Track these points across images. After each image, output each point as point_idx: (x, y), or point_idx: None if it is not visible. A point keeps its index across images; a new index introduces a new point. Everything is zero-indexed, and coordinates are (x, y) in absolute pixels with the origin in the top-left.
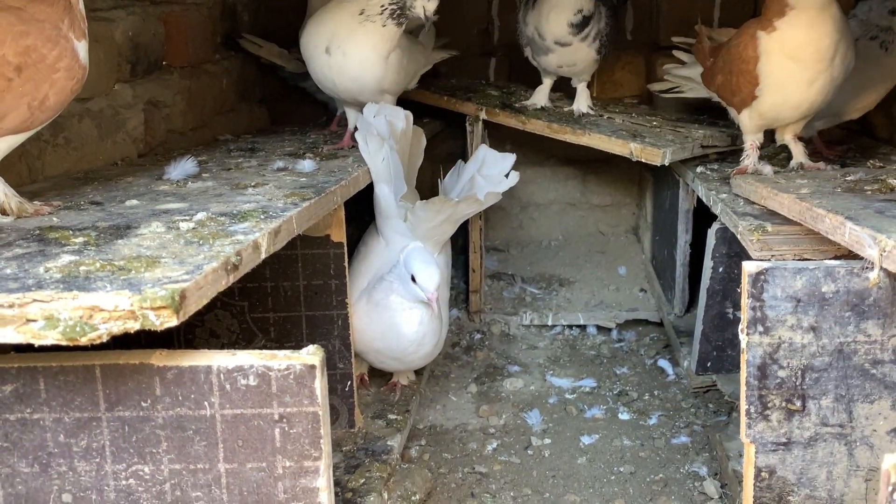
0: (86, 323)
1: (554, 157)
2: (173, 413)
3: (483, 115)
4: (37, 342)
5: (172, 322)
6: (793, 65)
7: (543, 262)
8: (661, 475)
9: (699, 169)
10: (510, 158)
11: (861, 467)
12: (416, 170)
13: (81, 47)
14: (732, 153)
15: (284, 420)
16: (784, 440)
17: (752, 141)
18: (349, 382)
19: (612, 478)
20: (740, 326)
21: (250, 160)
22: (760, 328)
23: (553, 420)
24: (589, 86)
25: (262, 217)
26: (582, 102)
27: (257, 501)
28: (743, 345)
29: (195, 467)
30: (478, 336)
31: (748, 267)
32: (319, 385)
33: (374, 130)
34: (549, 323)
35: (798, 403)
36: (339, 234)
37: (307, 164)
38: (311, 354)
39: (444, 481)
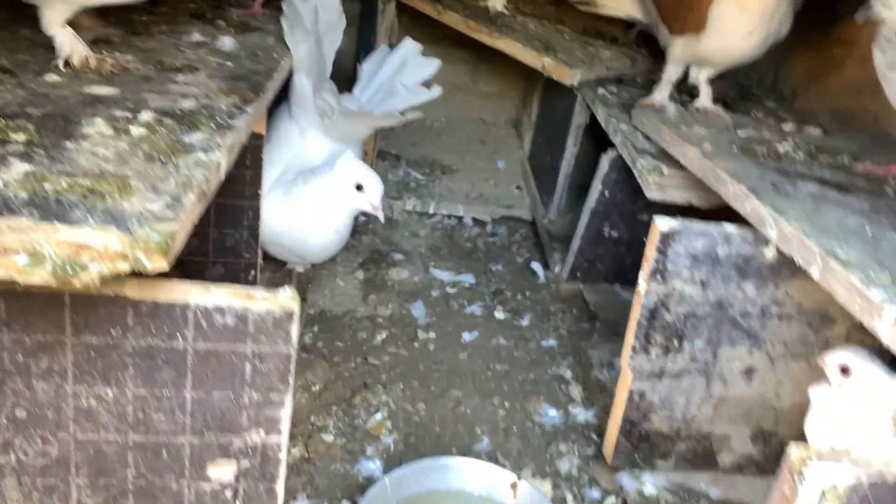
0: (75, 262)
1: (448, 39)
2: (144, 343)
3: None
4: (23, 281)
5: (162, 267)
6: (740, 13)
7: (426, 144)
8: (532, 375)
9: (600, 90)
10: (433, 64)
11: (713, 396)
12: (333, 55)
13: None
14: (628, 77)
15: (257, 357)
16: (658, 371)
17: (671, 74)
18: (252, 272)
19: (490, 374)
20: (641, 274)
21: (158, 22)
22: (659, 278)
23: (436, 314)
24: None
25: (214, 126)
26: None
27: (220, 426)
28: (640, 289)
29: (160, 393)
30: (363, 219)
31: (660, 225)
32: (294, 329)
33: (303, 18)
34: (431, 211)
35: (676, 343)
36: (261, 126)
37: (227, 41)
38: (290, 300)
39: (337, 370)
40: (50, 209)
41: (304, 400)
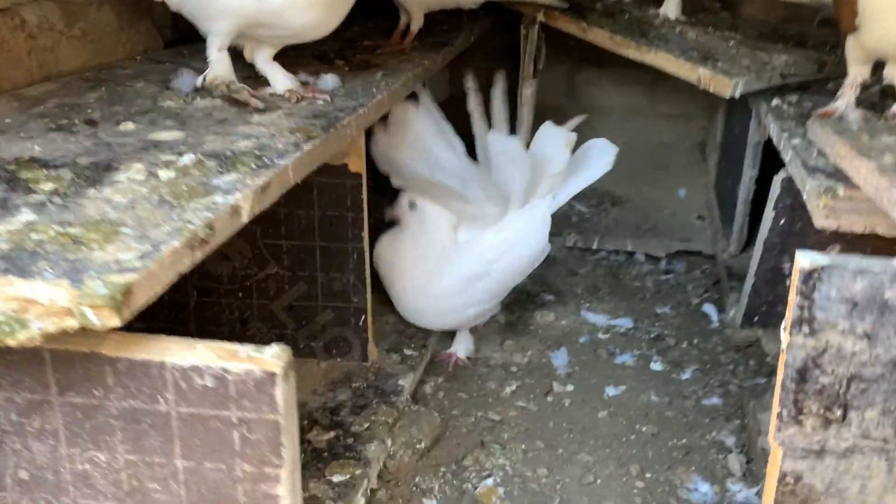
0: (17, 318)
1: (619, 58)
2: (126, 404)
3: (541, 18)
4: None
5: (114, 323)
6: None
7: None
8: (684, 440)
9: (774, 101)
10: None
11: None
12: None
13: None
14: (816, 82)
15: (244, 424)
16: (817, 448)
17: (853, 77)
18: (363, 317)
19: (633, 437)
20: (783, 324)
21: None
22: (806, 329)
23: (580, 363)
24: None
25: (254, 165)
26: (672, 6)
27: (217, 500)
28: (783, 345)
29: (151, 460)
30: None
31: (801, 261)
32: (281, 393)
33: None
34: (594, 247)
35: (838, 413)
36: (358, 164)
37: (329, 80)
38: (274, 358)
39: (454, 424)
40: (18, 262)
41: (407, 458)
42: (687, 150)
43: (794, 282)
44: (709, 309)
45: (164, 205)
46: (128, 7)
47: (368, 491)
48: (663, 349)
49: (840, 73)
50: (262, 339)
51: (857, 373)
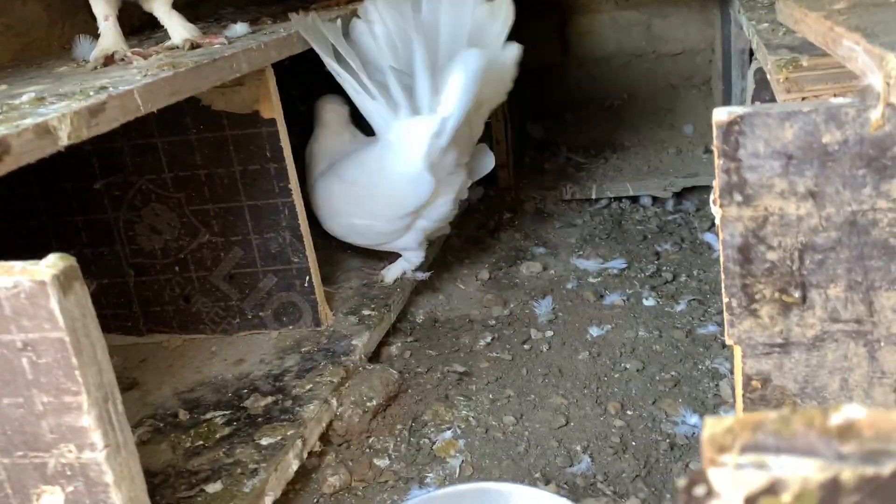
0: None
1: (612, 1)
2: None
3: None
4: None
5: None
6: None
7: (601, 126)
8: (673, 372)
9: None
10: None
11: (887, 373)
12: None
13: None
14: None
15: (30, 348)
16: (780, 341)
17: None
18: (307, 277)
19: (616, 375)
20: (711, 197)
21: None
22: (739, 197)
23: (564, 308)
24: None
25: (92, 94)
26: None
27: (24, 441)
28: (716, 220)
29: None
30: (507, 215)
31: (717, 115)
32: (58, 305)
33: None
34: (593, 196)
35: (797, 294)
36: (270, 109)
37: (238, 28)
38: (48, 266)
39: (417, 382)
40: None
41: (357, 418)
42: (693, 87)
43: (715, 143)
44: (709, 238)
45: None
46: (59, 1)
47: (304, 453)
48: (658, 285)
49: None
50: (208, 315)
51: (808, 241)
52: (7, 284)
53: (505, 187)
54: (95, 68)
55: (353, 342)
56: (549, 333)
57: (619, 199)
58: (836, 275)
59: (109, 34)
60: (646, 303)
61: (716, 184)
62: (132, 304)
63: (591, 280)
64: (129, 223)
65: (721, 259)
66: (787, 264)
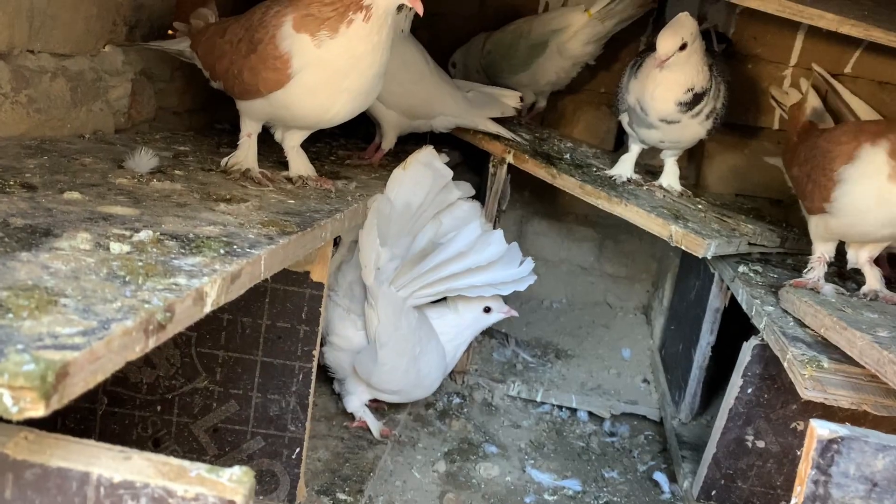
0: None
1: (573, 214)
2: None
3: (510, 159)
4: None
5: (38, 412)
6: (889, 193)
7: (542, 324)
8: None
9: (741, 268)
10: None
11: None
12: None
13: None
14: (777, 255)
15: None
16: None
17: (821, 253)
18: (298, 449)
19: None
20: (794, 500)
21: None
22: None
23: None
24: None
25: (223, 251)
26: (674, 179)
27: None
28: None
29: None
30: (457, 400)
31: (819, 430)
32: None
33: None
34: (539, 399)
35: None
36: (322, 274)
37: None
38: (235, 482)
39: None
40: None
41: None
42: (630, 310)
43: (809, 453)
44: (659, 478)
45: (115, 279)
46: (84, 84)
47: None
48: None
49: (799, 249)
50: None
51: None
52: (186, 495)
53: (459, 371)
54: (225, 171)
55: None
56: None
57: (560, 407)
58: None
59: (248, 150)
60: None
61: (799, 489)
62: (91, 434)
63: (547, 497)
64: None
65: None
66: None
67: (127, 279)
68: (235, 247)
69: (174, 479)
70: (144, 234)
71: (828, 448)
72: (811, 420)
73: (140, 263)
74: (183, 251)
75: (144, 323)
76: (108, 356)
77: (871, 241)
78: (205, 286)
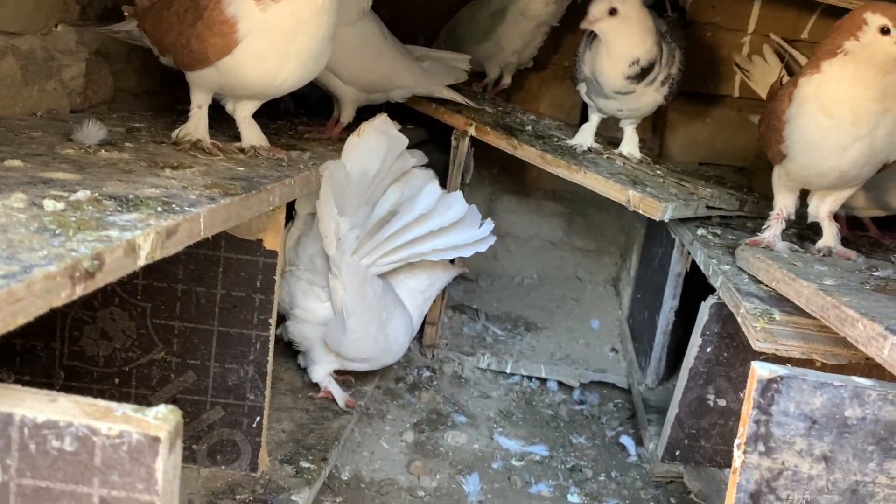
0: None
1: (541, 190)
2: None
3: (472, 132)
4: None
5: None
6: (826, 121)
7: (513, 300)
8: None
9: (700, 231)
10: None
11: None
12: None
13: None
14: (738, 219)
15: None
16: None
17: (779, 208)
18: (258, 418)
19: None
20: (737, 441)
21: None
22: (762, 447)
23: (493, 490)
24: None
25: (160, 209)
26: (633, 147)
27: None
28: (736, 463)
29: None
30: (426, 374)
31: (759, 370)
32: (163, 466)
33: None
34: (508, 370)
35: None
36: (274, 241)
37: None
38: (160, 419)
39: None
40: None
41: None
42: (600, 283)
43: (750, 394)
44: (626, 441)
45: (45, 232)
46: (35, 63)
47: None
48: (581, 480)
49: (759, 212)
50: None
51: (812, 501)
52: (110, 432)
53: (428, 345)
54: (176, 143)
55: (293, 498)
56: None
57: (529, 377)
58: None
59: (198, 121)
60: (571, 498)
61: (742, 430)
62: None
63: (514, 463)
64: (77, 321)
65: (730, 499)
66: None
67: (57, 232)
68: (174, 206)
69: (99, 418)
70: (82, 194)
71: (768, 388)
72: (752, 362)
73: (73, 219)
74: (119, 209)
75: (70, 269)
76: (30, 299)
77: (829, 185)
78: (137, 238)
